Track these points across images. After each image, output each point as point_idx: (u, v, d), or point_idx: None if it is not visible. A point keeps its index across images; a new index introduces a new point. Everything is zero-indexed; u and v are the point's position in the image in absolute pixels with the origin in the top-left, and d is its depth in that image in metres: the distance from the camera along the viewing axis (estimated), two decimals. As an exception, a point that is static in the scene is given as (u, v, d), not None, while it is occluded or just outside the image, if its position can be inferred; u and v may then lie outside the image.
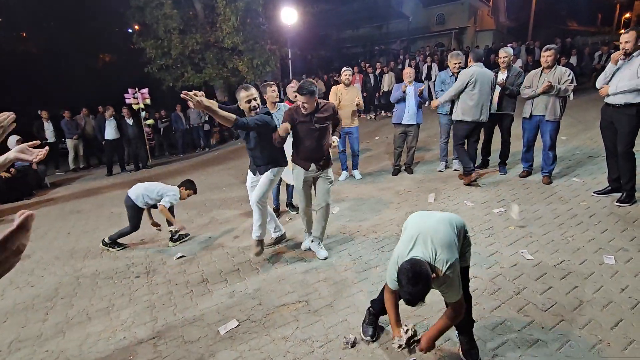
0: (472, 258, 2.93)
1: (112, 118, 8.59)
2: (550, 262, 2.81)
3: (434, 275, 1.63)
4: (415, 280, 1.55)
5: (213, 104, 2.62)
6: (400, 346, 1.85)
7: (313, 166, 3.12)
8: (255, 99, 2.98)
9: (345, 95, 5.07)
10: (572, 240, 3.11)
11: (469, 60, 4.59)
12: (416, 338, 1.86)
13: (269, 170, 3.17)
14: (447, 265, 1.65)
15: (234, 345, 2.27)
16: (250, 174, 3.38)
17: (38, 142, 1.48)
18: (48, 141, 9.20)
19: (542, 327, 2.16)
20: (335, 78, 12.93)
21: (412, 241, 1.75)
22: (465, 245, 1.91)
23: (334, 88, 5.27)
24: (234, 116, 2.70)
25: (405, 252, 1.73)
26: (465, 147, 4.62)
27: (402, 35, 21.83)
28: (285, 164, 3.29)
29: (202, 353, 2.23)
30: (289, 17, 11.02)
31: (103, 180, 8.32)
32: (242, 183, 6.43)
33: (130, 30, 14.88)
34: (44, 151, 1.46)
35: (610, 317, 2.19)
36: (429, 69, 11.95)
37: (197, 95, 2.50)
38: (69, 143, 9.42)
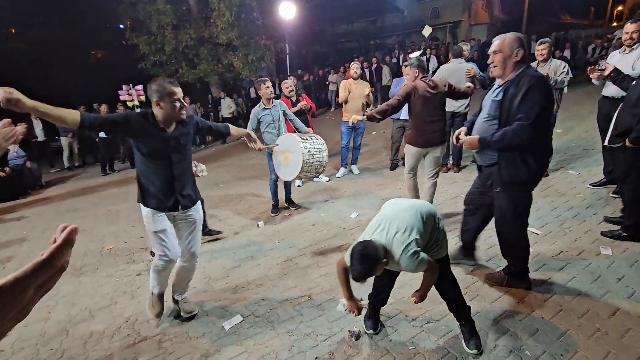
0: (472, 251, 2.97)
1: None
2: (548, 254, 2.86)
3: (385, 259, 1.74)
4: (362, 260, 1.69)
5: (36, 103, 1.72)
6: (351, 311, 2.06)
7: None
8: (180, 99, 2.16)
9: (355, 89, 5.08)
10: (569, 231, 3.16)
11: (449, 56, 4.65)
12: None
13: (198, 203, 2.48)
14: (403, 248, 1.72)
15: (239, 340, 2.29)
16: (156, 215, 2.27)
17: (9, 120, 1.44)
18: (38, 139, 9.10)
19: (542, 317, 2.20)
20: (331, 74, 12.88)
21: (376, 226, 1.85)
22: (437, 233, 1.91)
23: (343, 82, 5.28)
24: (77, 112, 1.95)
25: (367, 235, 1.84)
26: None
27: (397, 29, 21.76)
28: None
29: (208, 349, 2.25)
30: (287, 11, 10.91)
31: (99, 179, 8.25)
32: (240, 180, 6.43)
33: (122, 26, 14.69)
34: (21, 128, 1.47)
35: (607, 307, 2.24)
36: (427, 61, 11.97)
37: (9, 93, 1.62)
38: (64, 141, 9.32)
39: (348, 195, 4.71)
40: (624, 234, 2.90)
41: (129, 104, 8.98)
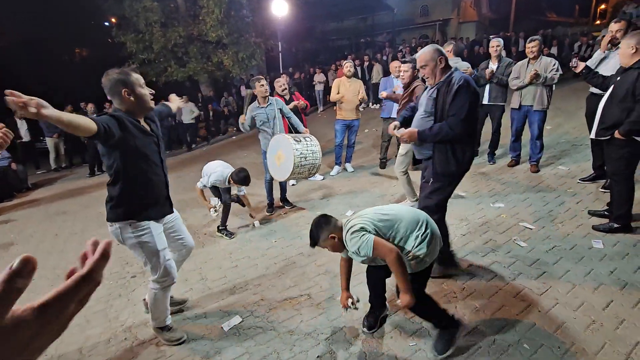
0: (467, 247, 3.02)
1: (94, 115, 8.32)
2: (542, 248, 2.91)
3: (334, 235, 1.87)
4: (313, 225, 1.91)
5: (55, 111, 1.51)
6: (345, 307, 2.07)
7: None
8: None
9: (349, 88, 5.07)
10: (561, 226, 3.22)
11: (450, 53, 4.67)
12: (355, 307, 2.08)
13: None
14: (348, 228, 1.83)
15: (239, 341, 2.27)
16: (158, 228, 2.16)
17: None
18: (23, 140, 8.86)
19: (539, 311, 2.24)
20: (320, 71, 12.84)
21: (357, 214, 1.95)
22: (416, 238, 1.81)
23: (336, 80, 5.27)
24: (91, 121, 1.71)
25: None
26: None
27: (387, 27, 21.82)
28: None
29: (207, 351, 2.22)
30: (278, 8, 10.81)
31: (87, 180, 8.09)
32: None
33: (107, 24, 14.38)
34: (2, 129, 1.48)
35: (601, 299, 2.29)
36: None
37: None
38: (49, 142, 9.09)
39: (343, 193, 4.72)
40: (616, 225, 2.98)
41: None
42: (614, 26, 3.52)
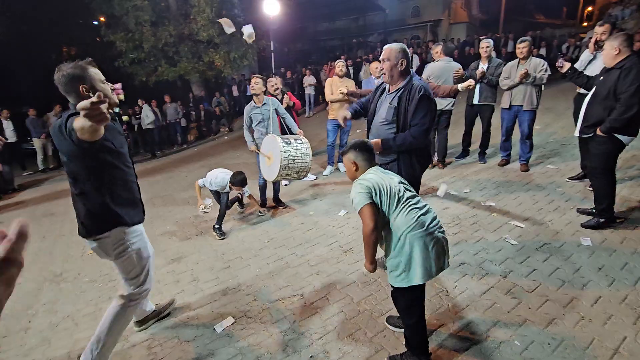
0: (458, 246, 3.05)
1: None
2: (532, 246, 2.95)
3: (355, 164, 1.84)
4: (361, 143, 1.88)
5: None
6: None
7: None
8: None
9: (342, 88, 5.07)
10: (551, 224, 3.27)
11: (439, 54, 4.73)
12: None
13: None
14: (361, 177, 1.81)
15: (232, 342, 2.25)
16: (142, 227, 2.08)
17: None
18: (8, 141, 8.65)
19: (530, 308, 2.27)
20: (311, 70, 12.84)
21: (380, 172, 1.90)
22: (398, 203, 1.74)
23: (328, 80, 5.26)
24: None
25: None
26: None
27: (379, 27, 21.94)
28: None
29: (200, 352, 2.20)
30: (270, 8, 10.76)
31: (76, 181, 7.94)
32: (225, 179, 6.32)
33: (96, 23, 14.15)
34: None
35: (590, 295, 2.33)
36: (410, 59, 12.11)
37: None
38: (36, 143, 8.92)
39: (336, 193, 4.72)
40: (602, 220, 3.05)
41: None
42: (599, 29, 3.61)
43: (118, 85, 9.81)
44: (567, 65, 3.33)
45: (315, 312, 2.44)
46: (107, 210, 1.84)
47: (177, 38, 11.96)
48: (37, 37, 15.06)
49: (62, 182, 8.00)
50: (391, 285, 1.84)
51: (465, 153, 5.37)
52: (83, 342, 2.43)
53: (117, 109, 9.54)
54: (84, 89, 1.71)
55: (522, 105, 4.32)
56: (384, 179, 1.78)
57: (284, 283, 2.84)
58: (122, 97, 9.89)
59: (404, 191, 1.77)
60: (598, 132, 2.95)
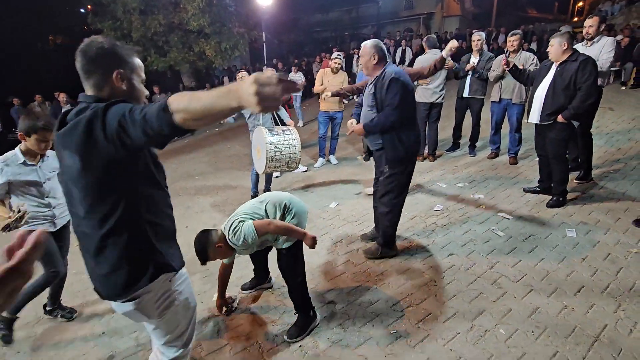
0: (447, 237, 3.09)
1: (68, 105, 7.98)
2: (519, 237, 3.00)
3: (220, 244, 2.01)
4: (197, 244, 2.03)
5: None
6: None
7: None
8: None
9: (333, 81, 5.03)
10: (537, 216, 3.32)
11: (425, 47, 4.73)
12: None
13: None
14: (229, 229, 1.98)
15: (221, 333, 2.25)
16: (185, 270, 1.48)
17: None
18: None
19: (515, 297, 2.32)
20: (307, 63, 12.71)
21: (230, 217, 2.08)
22: (284, 218, 2.12)
23: (320, 71, 5.23)
24: None
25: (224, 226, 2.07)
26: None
27: (372, 19, 21.78)
28: None
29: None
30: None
31: (63, 172, 7.80)
32: (217, 171, 6.28)
33: (83, 11, 13.78)
34: None
35: (573, 285, 2.38)
36: (403, 52, 12.09)
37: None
38: (21, 133, 8.70)
39: (327, 185, 4.72)
40: (562, 199, 3.43)
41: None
42: (587, 22, 3.64)
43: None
44: (511, 62, 3.61)
45: (304, 303, 2.45)
46: (149, 251, 1.26)
47: (167, 27, 11.70)
48: (22, 26, 14.62)
49: (48, 174, 7.86)
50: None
51: (455, 146, 5.41)
52: (69, 334, 2.40)
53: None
54: (119, 76, 1.21)
55: (511, 99, 4.36)
56: (236, 214, 2.08)
57: (273, 274, 2.84)
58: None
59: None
60: (559, 118, 3.20)
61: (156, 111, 0.94)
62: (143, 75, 1.32)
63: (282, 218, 2.10)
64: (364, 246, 3.08)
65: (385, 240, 2.86)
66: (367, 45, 2.66)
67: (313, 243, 2.05)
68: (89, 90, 1.22)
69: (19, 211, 1.95)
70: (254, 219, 1.99)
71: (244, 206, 2.14)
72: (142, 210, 1.23)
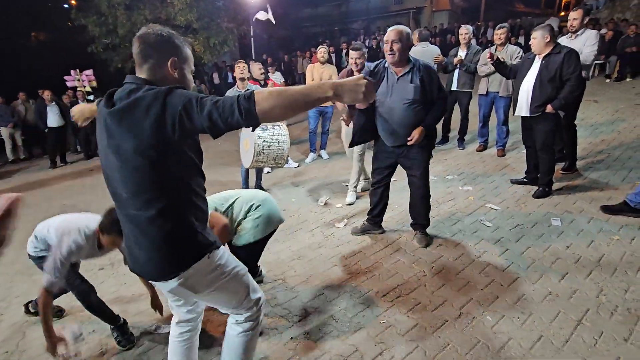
0: (436, 228, 3.12)
1: (54, 103, 7.81)
2: (506, 227, 3.06)
3: None
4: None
5: None
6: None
7: None
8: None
9: (322, 74, 5.02)
10: (524, 206, 3.39)
11: (416, 40, 4.75)
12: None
13: None
14: None
15: (213, 326, 2.26)
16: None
17: None
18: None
19: (502, 285, 2.37)
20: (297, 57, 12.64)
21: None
22: (247, 217, 2.21)
23: (309, 66, 5.21)
24: None
25: None
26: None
27: (362, 14, 21.76)
28: None
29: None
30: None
31: (49, 172, 7.65)
32: (207, 166, 6.21)
33: (66, 6, 13.44)
34: None
35: (558, 271, 2.45)
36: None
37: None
38: (4, 132, 8.48)
39: (318, 180, 4.73)
40: (547, 189, 3.50)
41: (81, 89, 8.31)
42: (572, 14, 3.69)
43: (89, 72, 9.51)
44: (496, 56, 3.63)
45: (296, 296, 2.47)
46: (193, 232, 1.31)
47: (153, 22, 11.46)
48: (2, 22, 14.20)
49: (34, 173, 7.70)
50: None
51: (444, 139, 5.46)
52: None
53: (90, 97, 9.11)
54: (174, 64, 1.27)
55: (498, 92, 4.41)
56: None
57: (265, 268, 2.85)
58: (94, 84, 9.46)
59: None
60: (548, 109, 3.25)
61: (238, 99, 1.04)
62: (193, 66, 1.38)
63: (245, 216, 2.18)
64: (355, 239, 3.10)
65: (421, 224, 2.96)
66: (405, 30, 2.51)
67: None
68: (141, 74, 1.26)
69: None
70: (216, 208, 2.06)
71: (215, 195, 2.18)
72: (189, 194, 1.29)
